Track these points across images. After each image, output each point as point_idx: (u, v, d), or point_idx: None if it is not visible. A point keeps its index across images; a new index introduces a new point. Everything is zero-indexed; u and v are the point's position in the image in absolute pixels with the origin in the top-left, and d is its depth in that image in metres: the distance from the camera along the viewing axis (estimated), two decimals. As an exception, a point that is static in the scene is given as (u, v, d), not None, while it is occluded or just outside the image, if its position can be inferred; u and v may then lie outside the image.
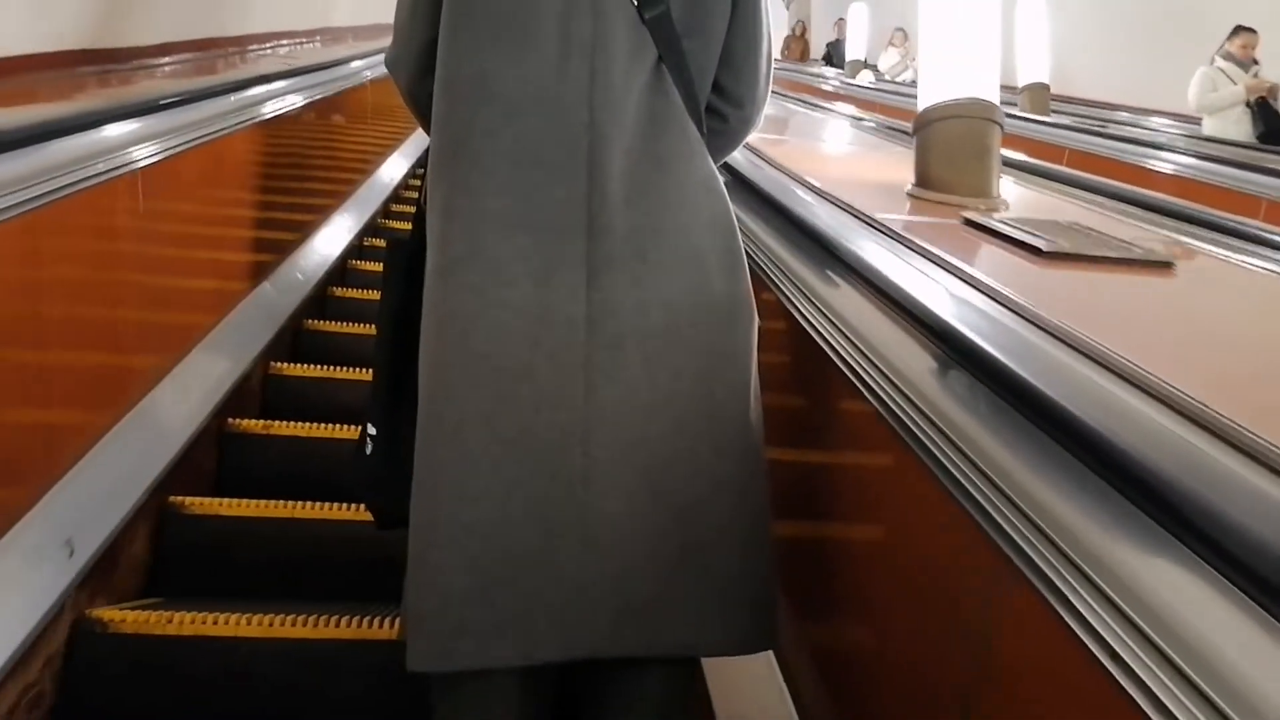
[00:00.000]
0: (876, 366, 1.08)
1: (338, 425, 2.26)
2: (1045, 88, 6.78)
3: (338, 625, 1.69)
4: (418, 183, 1.38)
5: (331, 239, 3.39)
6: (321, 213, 3.44)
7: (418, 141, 4.61)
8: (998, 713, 0.82)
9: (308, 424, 2.29)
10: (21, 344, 1.64)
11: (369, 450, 1.25)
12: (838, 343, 1.21)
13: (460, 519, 1.01)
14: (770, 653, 1.41)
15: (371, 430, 1.25)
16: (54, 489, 1.69)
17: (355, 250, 3.54)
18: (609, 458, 1.02)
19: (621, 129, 1.08)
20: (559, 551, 1.00)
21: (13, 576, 1.53)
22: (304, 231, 3.22)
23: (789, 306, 1.43)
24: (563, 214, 1.06)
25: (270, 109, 2.84)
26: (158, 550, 1.93)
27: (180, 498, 1.98)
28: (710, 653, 1.09)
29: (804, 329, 1.34)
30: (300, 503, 1.98)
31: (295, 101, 3.06)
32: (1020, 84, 6.74)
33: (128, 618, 1.64)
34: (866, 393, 1.09)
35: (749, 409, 1.13)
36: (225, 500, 1.99)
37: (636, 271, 1.06)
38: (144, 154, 1.99)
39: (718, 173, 1.18)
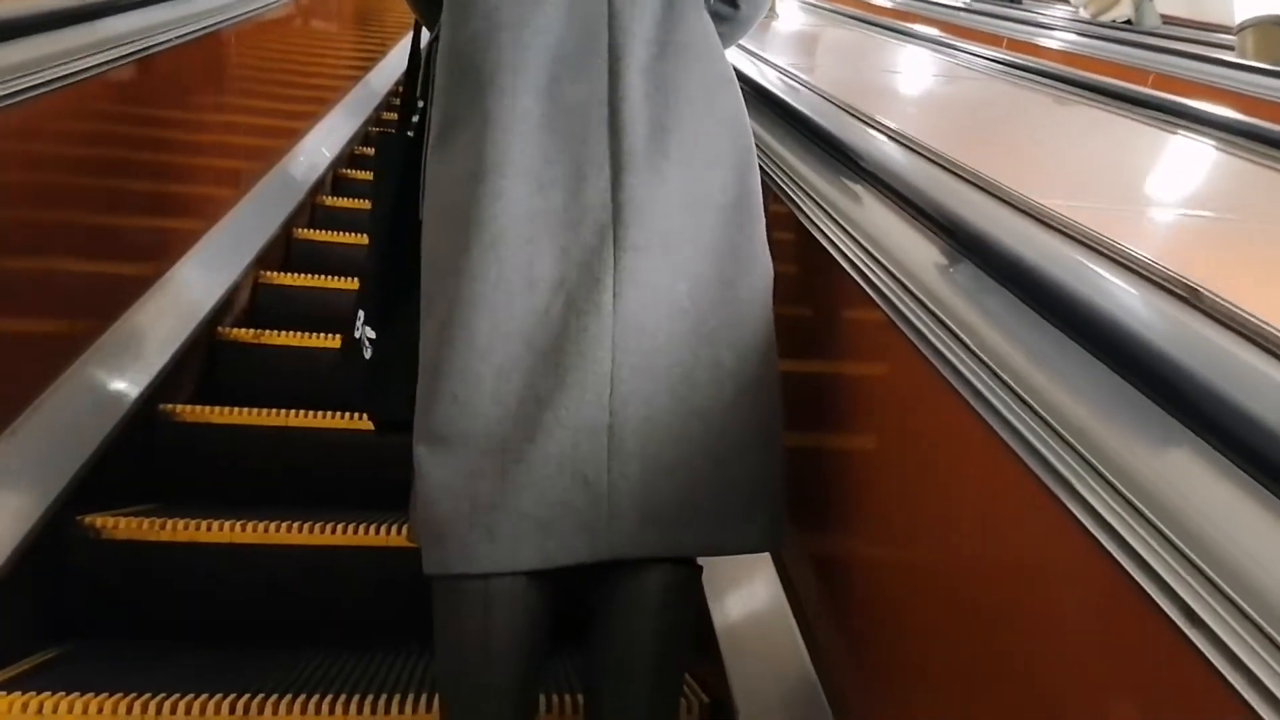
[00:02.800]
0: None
1: (330, 335, 2.23)
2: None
3: (334, 531, 1.69)
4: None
5: (321, 147, 3.30)
6: (311, 119, 3.35)
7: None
8: (1010, 616, 0.80)
9: (299, 333, 2.26)
10: (10, 251, 1.60)
11: (368, 355, 1.23)
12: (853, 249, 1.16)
13: (494, 431, 1.00)
14: (767, 557, 1.41)
15: (370, 334, 1.22)
16: (44, 395, 1.67)
17: (346, 159, 3.46)
18: (634, 363, 1.02)
19: (641, 20, 1.07)
20: (585, 458, 1.01)
21: (4, 483, 1.52)
22: (293, 138, 3.14)
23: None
24: (587, 112, 1.04)
25: (259, 5, 2.73)
26: (150, 458, 1.92)
27: (171, 405, 1.96)
28: (729, 551, 1.11)
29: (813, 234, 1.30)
30: (293, 411, 1.96)
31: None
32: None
33: (120, 524, 1.63)
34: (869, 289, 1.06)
35: (766, 312, 1.12)
36: (217, 408, 1.97)
37: (661, 170, 1.05)
38: (131, 50, 1.91)
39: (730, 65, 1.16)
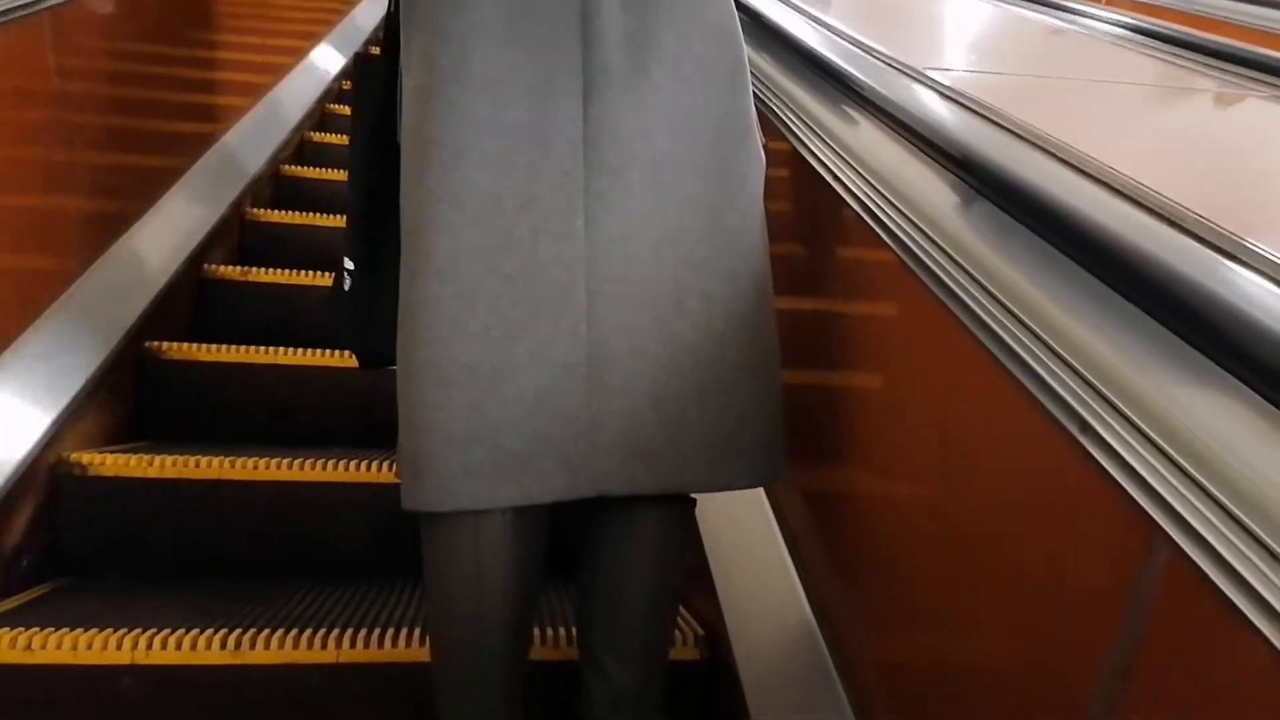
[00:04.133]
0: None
1: (317, 272, 2.19)
2: None
3: (323, 468, 1.67)
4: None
5: (308, 82, 3.23)
6: (298, 55, 3.26)
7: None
8: (1020, 556, 0.79)
9: (287, 271, 2.22)
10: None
11: (347, 286, 1.19)
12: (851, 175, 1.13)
13: (459, 359, 0.96)
14: (760, 491, 1.40)
15: (349, 265, 1.18)
16: (26, 333, 1.64)
17: (334, 94, 3.38)
18: (615, 293, 0.97)
19: None
20: (564, 392, 0.96)
21: (-13, 420, 1.50)
22: (280, 73, 3.07)
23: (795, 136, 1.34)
24: (556, 21, 0.97)
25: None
26: (136, 396, 1.90)
27: (158, 343, 1.94)
28: (720, 488, 1.06)
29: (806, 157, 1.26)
30: (280, 348, 1.93)
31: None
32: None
33: (107, 460, 1.61)
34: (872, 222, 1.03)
35: (760, 239, 1.07)
36: (204, 346, 1.95)
37: (637, 87, 0.98)
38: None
39: None
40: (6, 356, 1.58)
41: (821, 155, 1.25)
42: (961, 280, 0.84)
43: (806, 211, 1.37)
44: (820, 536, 1.23)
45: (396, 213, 1.05)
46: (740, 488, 1.08)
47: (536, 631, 1.37)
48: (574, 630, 1.33)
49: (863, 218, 1.08)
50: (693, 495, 1.09)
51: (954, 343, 0.84)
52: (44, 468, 1.57)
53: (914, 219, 0.96)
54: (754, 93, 1.10)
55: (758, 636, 1.31)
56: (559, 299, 0.96)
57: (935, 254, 0.90)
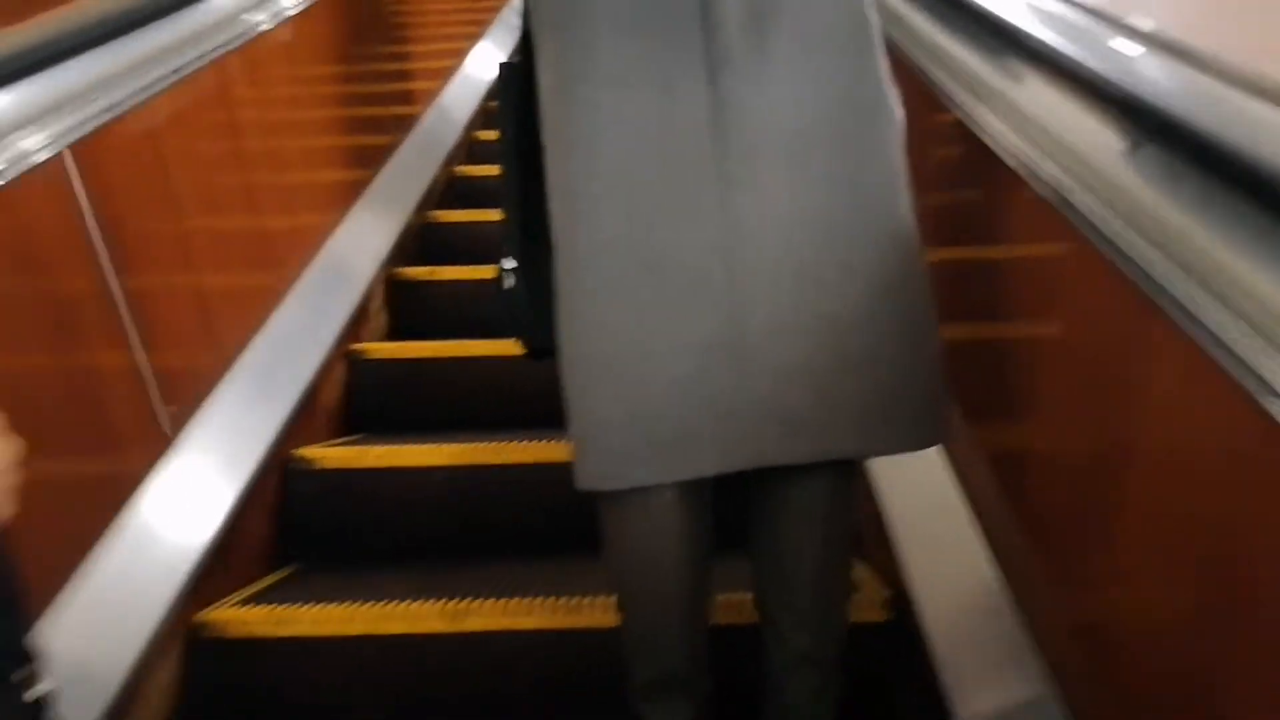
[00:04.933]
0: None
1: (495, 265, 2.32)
2: None
3: (520, 450, 1.80)
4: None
5: (472, 83, 3.38)
6: (460, 56, 3.42)
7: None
8: (1199, 510, 0.76)
9: (468, 266, 2.36)
10: (209, 212, 1.75)
11: (507, 285, 1.24)
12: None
13: (603, 350, 1.01)
14: (939, 451, 1.38)
15: (509, 264, 1.25)
16: (250, 342, 1.83)
17: (495, 92, 3.51)
18: (754, 272, 0.98)
19: None
20: (712, 373, 0.99)
21: (228, 424, 1.70)
22: (446, 77, 3.23)
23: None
24: (676, 7, 0.98)
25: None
26: (347, 395, 2.09)
27: (362, 345, 2.12)
28: (880, 454, 1.08)
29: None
30: (468, 341, 2.07)
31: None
32: None
33: (329, 455, 1.79)
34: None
35: (901, 203, 1.05)
36: (400, 344, 2.11)
37: (761, 66, 0.98)
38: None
39: None
40: (234, 370, 1.77)
41: (971, 107, 1.22)
42: (1132, 231, 0.81)
43: (958, 161, 1.34)
44: (1005, 494, 1.21)
45: (546, 210, 1.09)
46: (900, 452, 1.08)
47: (719, 598, 1.43)
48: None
49: (1021, 165, 1.06)
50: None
51: (1124, 295, 0.81)
52: (277, 464, 1.77)
53: (1075, 167, 0.93)
54: (890, 44, 1.07)
55: (944, 597, 1.30)
56: (699, 283, 0.99)
57: (1099, 204, 0.87)
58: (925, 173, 1.12)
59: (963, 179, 1.36)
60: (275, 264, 1.99)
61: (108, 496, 1.35)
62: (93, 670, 1.19)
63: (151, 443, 1.46)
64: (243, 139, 1.88)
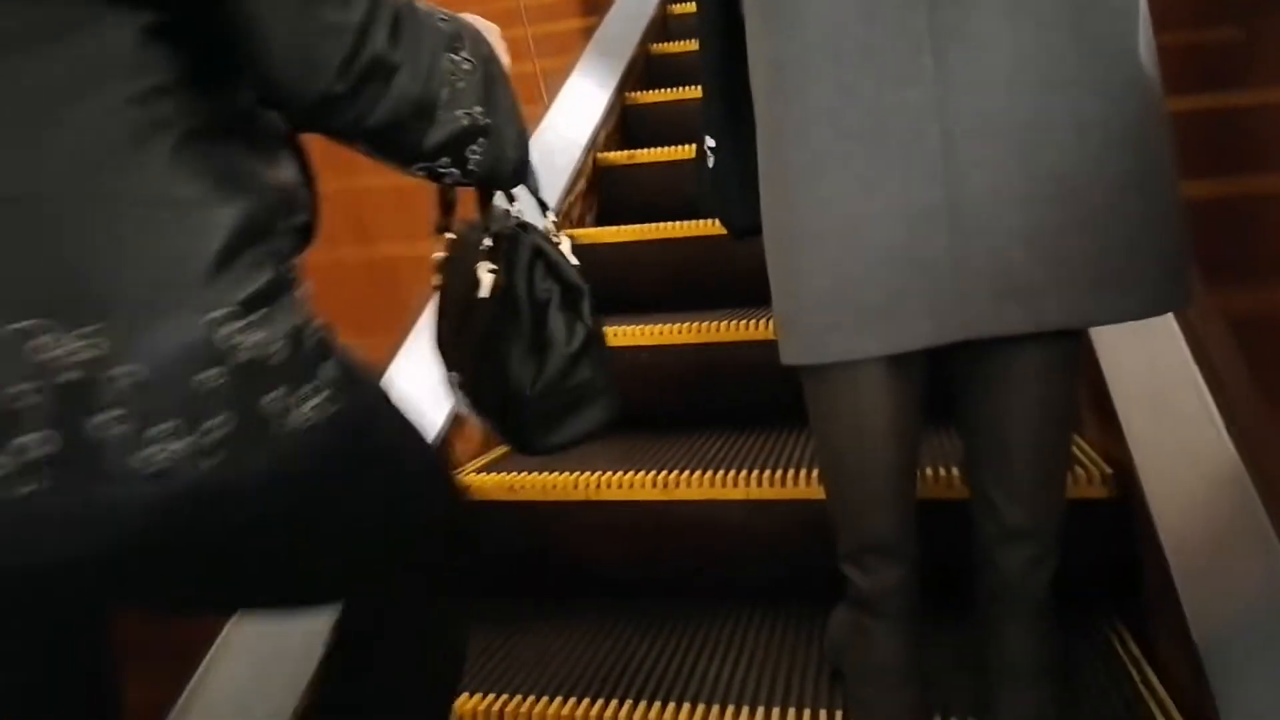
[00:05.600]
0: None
1: (692, 145, 2.31)
2: None
3: (721, 329, 1.84)
4: None
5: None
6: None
7: None
8: None
9: (667, 148, 2.37)
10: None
11: (711, 164, 1.25)
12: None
13: (813, 225, 0.98)
14: (1170, 317, 1.29)
15: (711, 143, 1.24)
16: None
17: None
18: (970, 130, 0.93)
19: None
20: (923, 239, 0.95)
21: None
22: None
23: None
24: None
25: None
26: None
27: (569, 230, 2.20)
28: (1106, 321, 0.98)
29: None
30: (669, 223, 2.10)
31: None
32: None
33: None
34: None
35: (1138, 45, 0.95)
36: (607, 229, 2.17)
37: None
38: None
39: None
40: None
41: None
42: None
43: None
44: (1245, 360, 1.11)
45: (748, 84, 1.07)
46: (1134, 319, 1.00)
47: (930, 471, 1.43)
48: (958, 470, 1.36)
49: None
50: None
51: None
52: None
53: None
54: None
55: (1171, 472, 1.24)
56: (910, 146, 0.94)
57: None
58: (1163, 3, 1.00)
59: (1211, 8, 1.21)
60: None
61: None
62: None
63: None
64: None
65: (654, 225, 2.12)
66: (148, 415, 0.59)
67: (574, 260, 0.97)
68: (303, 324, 0.67)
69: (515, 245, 0.94)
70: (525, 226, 0.95)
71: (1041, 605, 1.07)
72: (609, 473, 1.58)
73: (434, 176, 0.81)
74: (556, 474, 1.60)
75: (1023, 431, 1.03)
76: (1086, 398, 1.54)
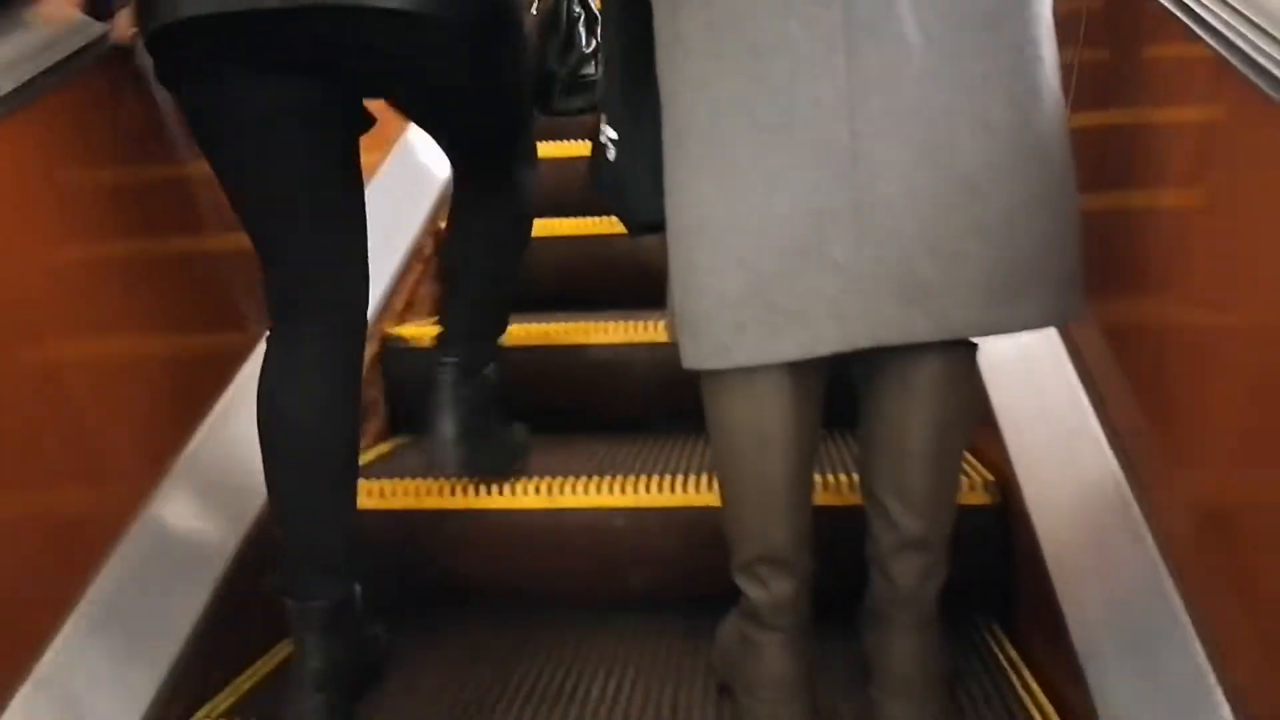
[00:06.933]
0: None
1: (581, 141, 2.26)
2: None
3: (610, 331, 1.79)
4: None
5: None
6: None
7: None
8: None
9: (553, 142, 2.31)
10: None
11: (611, 156, 1.20)
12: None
13: (723, 219, 0.96)
14: (1052, 330, 1.31)
15: (612, 134, 1.19)
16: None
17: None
18: (880, 131, 0.91)
19: None
20: (831, 240, 0.93)
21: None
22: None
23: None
24: None
25: None
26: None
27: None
28: (1008, 330, 0.99)
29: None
30: (557, 219, 2.04)
31: None
32: None
33: (425, 334, 1.81)
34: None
35: (1048, 51, 0.96)
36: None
37: None
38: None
39: None
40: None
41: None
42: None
43: (1107, 12, 1.22)
44: (1124, 372, 1.14)
45: (653, 74, 1.04)
46: (1032, 328, 1.00)
47: (820, 478, 1.41)
48: (855, 477, 1.35)
49: (1175, 14, 0.95)
50: (974, 340, 1.04)
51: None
52: (378, 335, 1.83)
53: (1244, 10, 0.82)
54: None
55: (1050, 480, 1.26)
56: (820, 144, 0.92)
57: (1269, 46, 0.77)
58: (1060, 19, 1.01)
59: (1106, 28, 1.24)
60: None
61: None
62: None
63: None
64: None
65: (543, 221, 2.05)
66: None
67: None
68: None
69: None
70: None
71: (931, 615, 1.07)
72: (490, 480, 1.51)
73: None
74: (432, 480, 1.51)
75: (920, 441, 1.02)
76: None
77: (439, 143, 1.47)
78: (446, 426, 1.44)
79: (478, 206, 1.48)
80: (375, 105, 1.28)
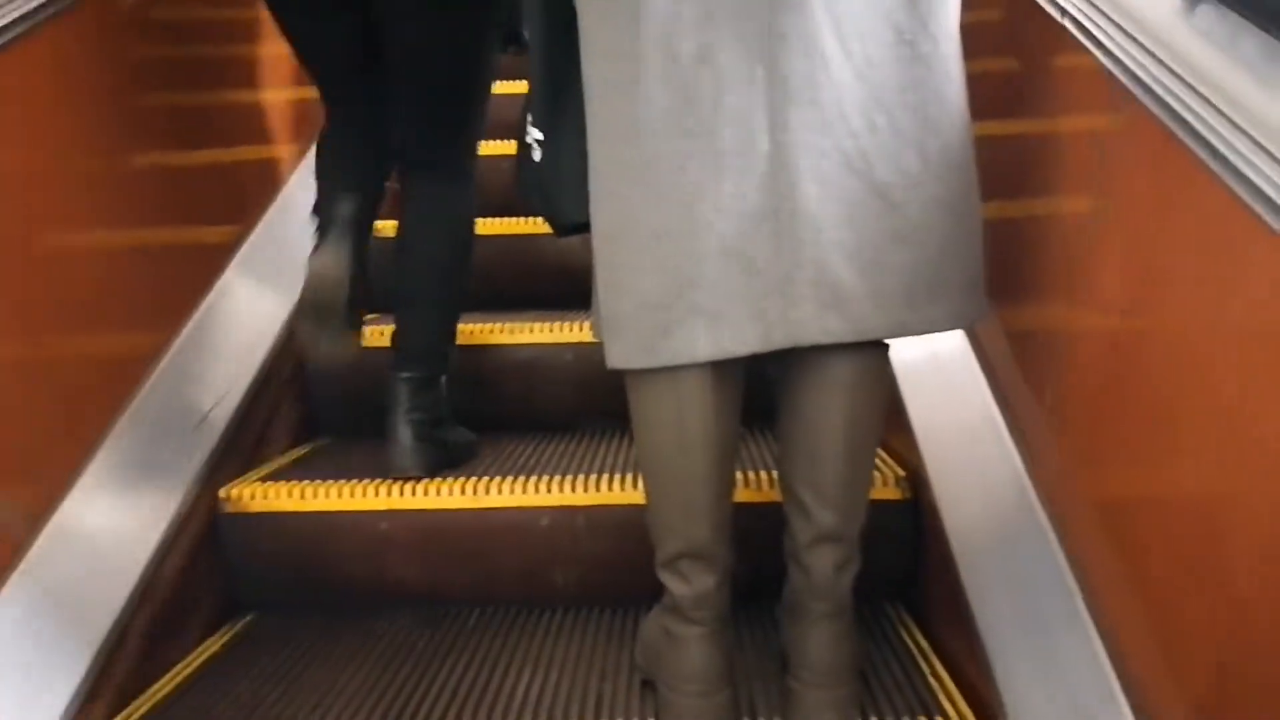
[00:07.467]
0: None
1: (503, 141, 2.25)
2: None
3: (532, 332, 1.79)
4: None
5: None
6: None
7: None
8: (1257, 404, 0.75)
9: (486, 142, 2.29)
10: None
11: (537, 158, 1.21)
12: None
13: (648, 221, 0.98)
14: (959, 332, 1.37)
15: (538, 135, 1.20)
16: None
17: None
18: (800, 140, 0.95)
19: None
20: (753, 244, 0.96)
21: (242, 301, 1.69)
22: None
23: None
24: None
25: None
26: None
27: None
28: (918, 332, 1.04)
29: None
30: (484, 219, 2.03)
31: None
32: None
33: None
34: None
35: (956, 66, 1.01)
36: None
37: None
38: None
39: None
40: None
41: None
42: (1184, 93, 0.77)
43: (1006, 28, 1.27)
44: (1026, 373, 1.20)
45: (579, 77, 1.05)
46: (941, 330, 1.06)
47: (740, 475, 1.45)
48: (774, 473, 1.39)
49: (1069, 30, 1.00)
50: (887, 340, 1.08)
51: (1177, 162, 0.78)
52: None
53: (1128, 28, 0.88)
54: None
55: (958, 475, 1.31)
56: (743, 151, 0.95)
57: (1154, 65, 0.82)
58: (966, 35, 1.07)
59: (1004, 40, 1.30)
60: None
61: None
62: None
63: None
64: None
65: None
66: None
67: None
68: None
69: None
70: None
71: (845, 606, 1.11)
72: (412, 480, 1.50)
73: None
74: (354, 482, 1.50)
75: (835, 438, 1.06)
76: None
77: (399, 114, 1.52)
78: (406, 436, 1.50)
79: (427, 213, 1.54)
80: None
